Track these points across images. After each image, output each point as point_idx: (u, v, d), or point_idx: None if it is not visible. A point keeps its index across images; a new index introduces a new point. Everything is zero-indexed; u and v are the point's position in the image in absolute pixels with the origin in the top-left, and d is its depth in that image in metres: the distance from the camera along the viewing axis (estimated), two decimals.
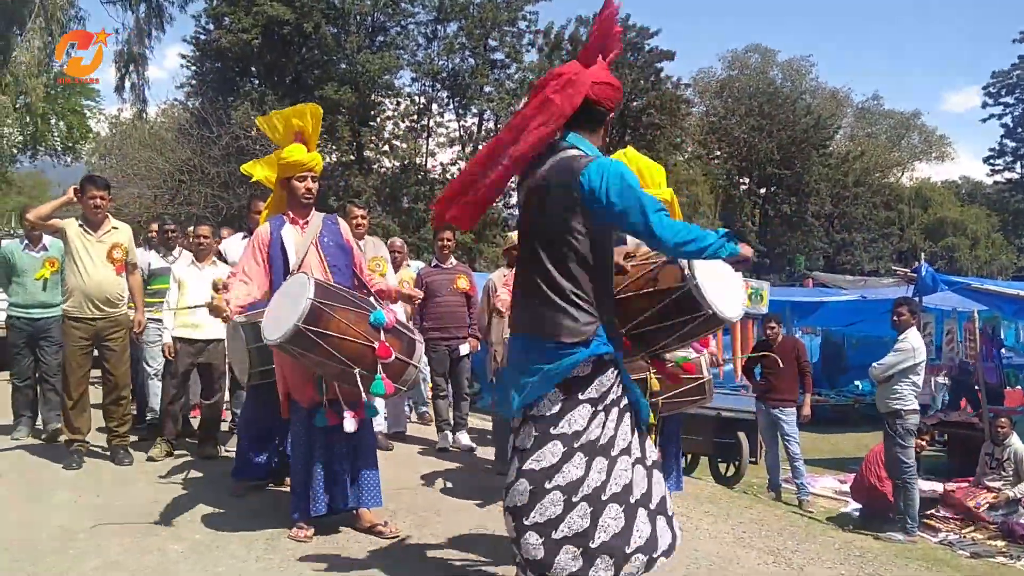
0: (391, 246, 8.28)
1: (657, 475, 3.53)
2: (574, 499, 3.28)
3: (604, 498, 3.31)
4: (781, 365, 8.65)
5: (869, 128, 51.28)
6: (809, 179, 40.10)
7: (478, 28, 30.20)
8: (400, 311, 7.53)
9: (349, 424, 4.46)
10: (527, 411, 3.40)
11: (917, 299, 11.04)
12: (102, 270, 6.34)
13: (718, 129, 40.85)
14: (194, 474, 6.21)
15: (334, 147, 29.25)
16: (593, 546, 3.28)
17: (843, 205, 42.53)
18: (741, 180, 41.88)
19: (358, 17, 29.47)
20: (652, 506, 3.45)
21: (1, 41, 21.67)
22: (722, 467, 10.10)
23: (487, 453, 7.27)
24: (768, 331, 9.39)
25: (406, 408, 8.77)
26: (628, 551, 3.31)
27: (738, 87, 42.86)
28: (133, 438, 6.85)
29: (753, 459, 9.80)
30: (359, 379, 4.36)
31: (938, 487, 9.39)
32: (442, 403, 7.69)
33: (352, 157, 29.48)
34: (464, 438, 7.62)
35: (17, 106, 23.01)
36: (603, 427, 3.37)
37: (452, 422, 7.72)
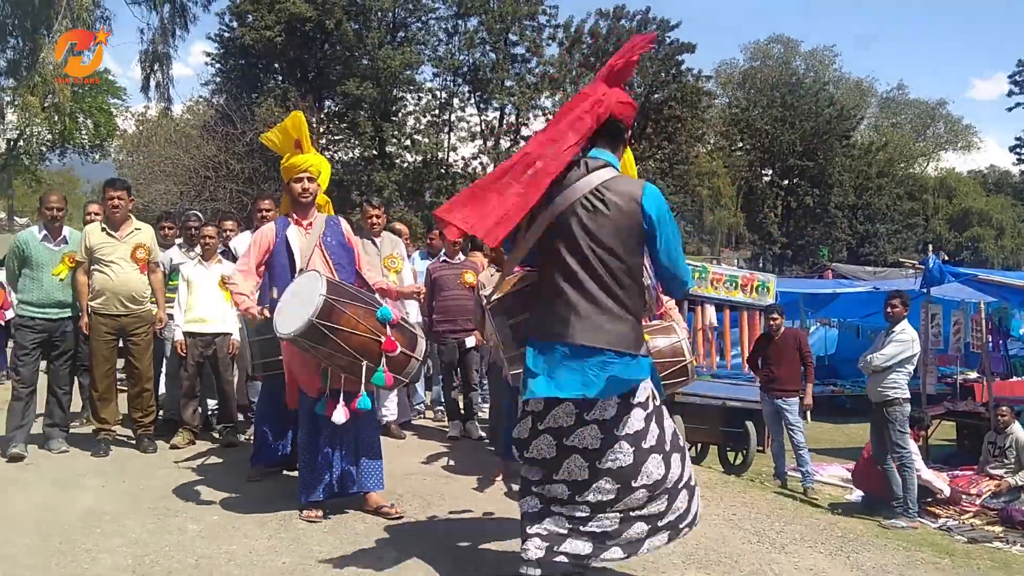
0: (402, 232, 8.53)
1: (687, 454, 3.95)
2: (657, 492, 3.69)
3: (680, 487, 3.77)
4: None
5: (894, 118, 51.00)
6: (832, 170, 40.03)
7: (498, 23, 30.46)
8: (414, 307, 7.83)
9: (338, 415, 4.66)
10: (584, 413, 3.63)
11: (925, 290, 11.23)
12: (127, 269, 6.65)
13: (740, 121, 40.80)
14: (214, 460, 6.53)
15: (356, 142, 29.63)
16: (660, 524, 3.76)
17: (867, 196, 42.39)
18: (764, 172, 41.80)
19: (379, 13, 29.82)
20: (694, 483, 3.90)
21: (29, 43, 22.16)
22: (730, 456, 10.31)
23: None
24: (771, 322, 9.58)
25: (422, 404, 9.07)
26: (682, 525, 3.84)
27: (760, 78, 42.78)
28: None
29: (761, 448, 10.00)
30: (364, 370, 4.60)
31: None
32: (452, 393, 7.95)
33: (374, 152, 29.81)
34: (474, 428, 7.87)
35: (45, 106, 23.50)
36: (661, 426, 3.74)
37: (463, 411, 7.98)
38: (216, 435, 7.32)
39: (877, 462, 8.23)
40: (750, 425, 9.82)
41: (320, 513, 5.03)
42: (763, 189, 40.96)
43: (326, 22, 27.50)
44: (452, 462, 6.72)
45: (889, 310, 8.43)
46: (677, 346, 5.19)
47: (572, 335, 3.58)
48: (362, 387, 4.66)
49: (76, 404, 7.37)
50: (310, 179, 5.35)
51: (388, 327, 4.69)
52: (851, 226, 41.86)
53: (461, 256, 8.03)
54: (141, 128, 31.68)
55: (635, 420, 3.63)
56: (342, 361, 4.65)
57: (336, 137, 30.99)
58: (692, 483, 3.88)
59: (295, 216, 5.37)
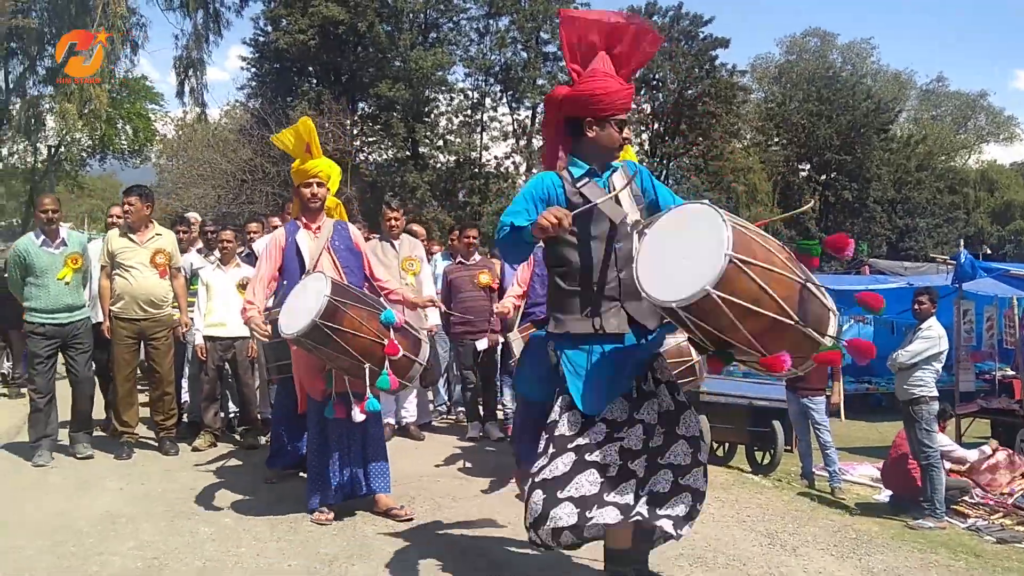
0: (418, 233, 8.58)
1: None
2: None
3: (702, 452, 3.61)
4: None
5: (933, 110, 50.17)
6: (870, 164, 39.42)
7: (529, 21, 30.39)
8: (434, 314, 7.86)
9: (357, 415, 4.75)
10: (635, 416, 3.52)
11: (957, 286, 11.07)
12: (147, 274, 6.77)
13: (776, 115, 40.36)
14: (233, 463, 6.64)
15: (389, 144, 29.76)
16: (682, 482, 3.51)
17: (906, 190, 41.71)
18: (800, 167, 41.32)
19: (411, 15, 29.87)
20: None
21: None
22: (758, 456, 10.25)
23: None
24: None
25: (444, 405, 9.11)
26: (697, 502, 3.56)
27: (797, 72, 42.29)
28: None
29: (788, 447, 9.93)
30: (367, 374, 4.64)
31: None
32: (470, 395, 7.97)
33: (407, 153, 29.91)
34: (494, 429, 7.89)
35: (84, 112, 23.90)
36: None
37: (482, 412, 8.00)
38: (237, 437, 7.42)
39: (913, 459, 8.14)
40: (777, 425, 9.74)
41: (331, 516, 5.10)
42: (800, 184, 40.47)
43: (358, 25, 27.59)
44: (468, 464, 6.76)
45: (916, 307, 8.34)
46: (683, 346, 5.16)
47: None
48: (367, 390, 4.72)
49: (98, 411, 7.45)
50: (319, 184, 5.44)
51: (392, 330, 4.73)
52: (890, 221, 41.19)
53: (476, 257, 8.05)
54: (180, 133, 32.10)
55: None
56: (344, 363, 4.70)
57: (370, 139, 31.14)
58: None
59: (304, 220, 5.45)
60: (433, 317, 7.79)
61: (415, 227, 9.12)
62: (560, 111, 3.69)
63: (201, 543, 4.67)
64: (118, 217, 7.40)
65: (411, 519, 5.14)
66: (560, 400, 3.55)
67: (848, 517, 6.02)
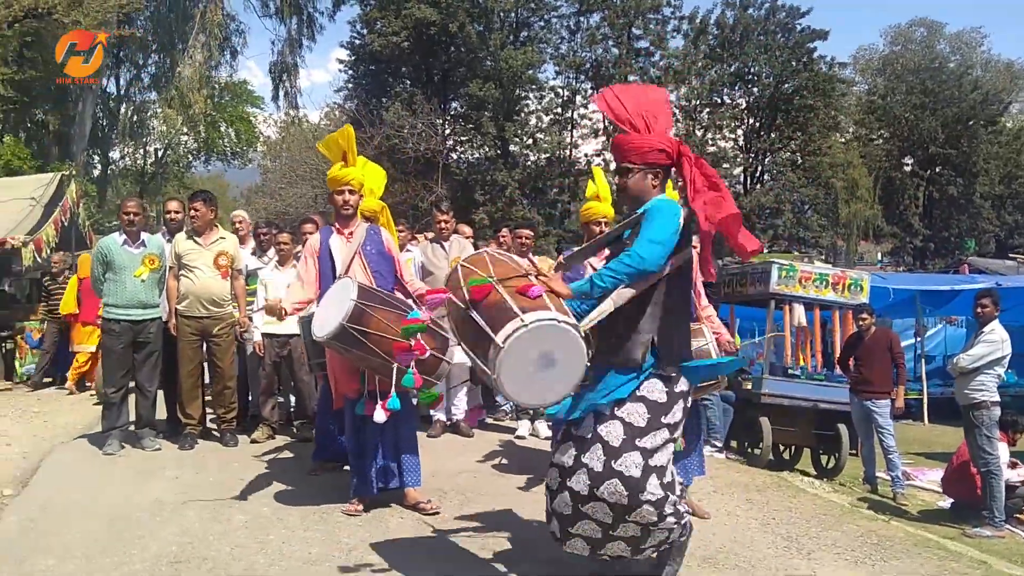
0: (461, 232, 8.78)
1: None
2: None
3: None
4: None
5: None
6: (977, 158, 38.00)
7: (621, 17, 30.34)
8: None
9: (379, 415, 4.83)
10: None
11: None
12: (209, 275, 7.17)
13: (877, 108, 39.24)
14: (286, 455, 6.98)
15: (480, 142, 30.11)
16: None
17: (1016, 185, 40.06)
18: (904, 161, 40.08)
19: (501, 14, 30.14)
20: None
21: (168, 58, 23.57)
22: (823, 459, 10.15)
23: None
24: (860, 323, 9.38)
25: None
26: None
27: (901, 64, 41.00)
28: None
29: (854, 451, 9.81)
30: (394, 373, 4.76)
31: None
32: None
33: (497, 152, 30.21)
34: (543, 427, 8.02)
35: (182, 119, 24.96)
36: None
37: (531, 412, 8.15)
38: (295, 430, 7.77)
39: (976, 467, 7.98)
40: (842, 428, 9.65)
41: (360, 507, 5.35)
42: (903, 179, 39.28)
43: (450, 25, 28.00)
44: (506, 461, 6.92)
45: (979, 310, 8.18)
46: (704, 350, 5.23)
47: None
48: (392, 388, 4.80)
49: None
50: (351, 192, 5.66)
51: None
52: (999, 217, 39.68)
53: (533, 257, 8.17)
54: (283, 135, 33.18)
55: None
56: (374, 363, 4.91)
57: (461, 138, 31.58)
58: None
59: (337, 225, 5.71)
60: None
61: (463, 227, 9.32)
62: None
63: (235, 530, 4.98)
64: (175, 212, 7.81)
65: (437, 512, 5.36)
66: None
67: (877, 523, 5.95)
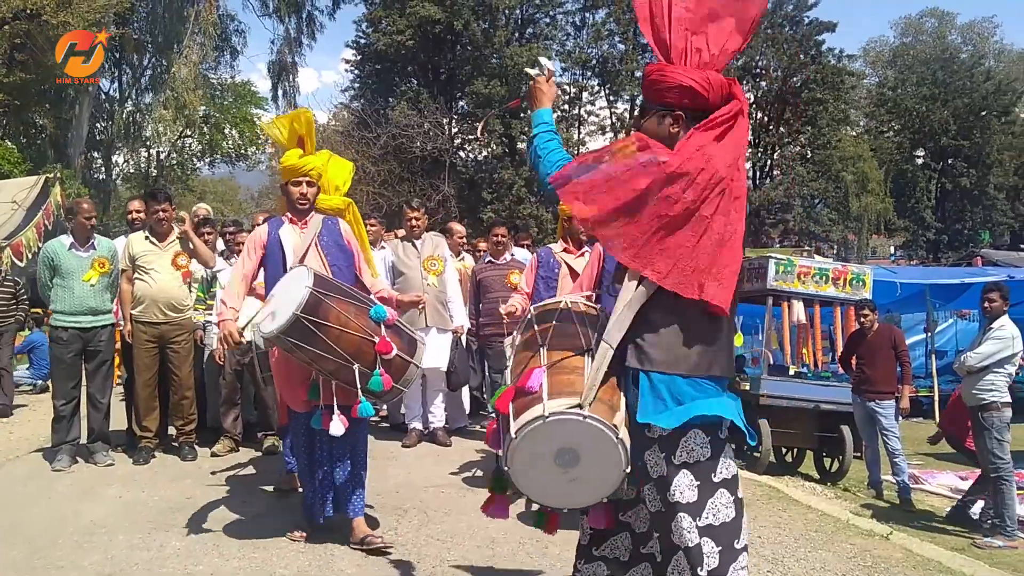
0: (452, 231, 8.40)
1: None
2: None
3: None
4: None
5: None
6: (990, 149, 37.43)
7: (626, 13, 29.98)
8: (461, 310, 7.68)
9: (336, 427, 4.37)
10: None
11: None
12: (167, 277, 6.78)
13: (888, 100, 38.67)
14: (248, 471, 6.55)
15: (487, 140, 29.80)
16: None
17: None
18: (915, 154, 39.50)
19: (506, 12, 29.86)
20: None
21: (163, 59, 23.30)
22: (826, 462, 9.71)
23: None
24: (862, 319, 8.94)
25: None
26: None
27: (912, 55, 40.41)
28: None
29: (858, 454, 9.36)
30: (357, 375, 4.26)
31: None
32: None
33: (504, 150, 29.88)
34: None
35: (177, 120, 24.69)
36: None
37: None
38: (261, 442, 7.36)
39: (984, 471, 7.55)
40: (846, 430, 9.22)
41: (303, 534, 4.83)
42: (914, 172, 38.69)
43: (454, 23, 27.77)
44: (480, 472, 6.49)
45: (987, 304, 7.71)
46: None
47: None
48: (358, 391, 4.31)
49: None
50: (309, 184, 4.99)
51: (383, 327, 4.36)
52: (1013, 209, 39.06)
53: (507, 256, 7.82)
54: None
55: None
56: (331, 365, 4.30)
57: (469, 136, 31.28)
58: None
59: (290, 215, 5.06)
60: (459, 318, 7.61)
61: (454, 225, 8.94)
62: None
63: (164, 559, 4.53)
64: (137, 211, 7.46)
65: (388, 551, 4.68)
66: None
67: (874, 540, 5.49)
